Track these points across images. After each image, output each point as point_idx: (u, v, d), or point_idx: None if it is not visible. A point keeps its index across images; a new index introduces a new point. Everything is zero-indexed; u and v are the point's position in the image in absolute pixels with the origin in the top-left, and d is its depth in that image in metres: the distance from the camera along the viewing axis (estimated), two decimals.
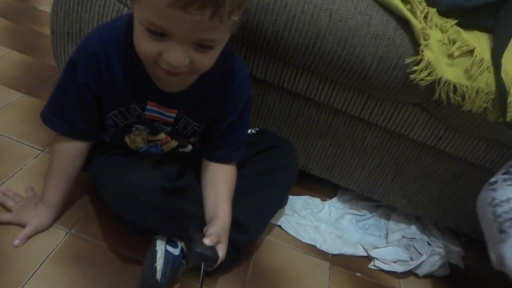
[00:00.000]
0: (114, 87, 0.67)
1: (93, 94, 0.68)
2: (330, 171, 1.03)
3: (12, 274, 0.67)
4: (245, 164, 0.84)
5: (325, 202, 1.07)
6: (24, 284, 0.66)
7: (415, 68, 0.76)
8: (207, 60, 0.59)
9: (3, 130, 0.94)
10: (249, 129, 0.88)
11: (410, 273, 0.95)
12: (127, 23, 0.63)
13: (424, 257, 0.93)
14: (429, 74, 0.76)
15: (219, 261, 0.67)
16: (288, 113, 0.95)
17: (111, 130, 0.74)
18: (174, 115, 0.71)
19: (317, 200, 1.07)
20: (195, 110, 0.72)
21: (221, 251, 0.68)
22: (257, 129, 0.91)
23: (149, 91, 0.67)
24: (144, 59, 0.60)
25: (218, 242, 0.68)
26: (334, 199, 1.09)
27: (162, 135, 0.75)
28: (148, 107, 0.69)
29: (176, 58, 0.55)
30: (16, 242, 0.71)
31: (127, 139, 0.75)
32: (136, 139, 0.75)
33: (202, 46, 0.56)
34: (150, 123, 0.72)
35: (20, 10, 1.50)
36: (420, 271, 0.94)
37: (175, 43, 0.54)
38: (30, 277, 0.68)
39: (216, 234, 0.68)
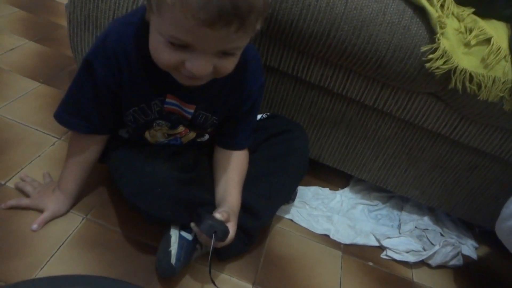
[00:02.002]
0: (134, 84, 0.67)
1: (111, 91, 0.68)
2: (343, 161, 1.03)
3: (31, 257, 0.69)
4: (256, 149, 0.85)
5: (336, 192, 1.07)
6: (43, 267, 0.68)
7: (431, 56, 0.75)
8: (229, 65, 0.59)
9: (21, 118, 0.96)
10: (260, 113, 0.88)
11: (422, 263, 0.95)
12: (143, 16, 0.63)
13: (437, 247, 0.93)
14: (445, 63, 0.76)
15: (228, 239, 0.68)
16: (301, 102, 0.95)
17: (131, 126, 0.74)
18: (192, 111, 0.72)
19: (327, 190, 1.07)
20: (213, 104, 0.72)
21: (231, 230, 0.69)
22: (268, 113, 0.91)
23: (168, 85, 0.67)
24: (163, 67, 0.59)
25: (227, 220, 0.69)
26: (346, 189, 1.09)
27: (181, 128, 0.76)
28: (167, 100, 0.70)
29: (200, 68, 0.55)
30: (35, 226, 0.73)
31: (147, 134, 0.76)
32: (157, 134, 0.76)
33: (225, 53, 0.56)
34: (170, 116, 0.72)
35: (37, 1, 1.52)
36: (432, 262, 0.94)
37: (198, 54, 0.54)
38: (48, 260, 0.69)
39: (226, 212, 0.69)
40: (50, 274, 0.67)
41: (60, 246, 0.72)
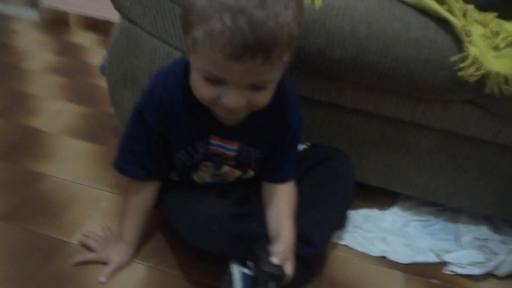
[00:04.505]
0: (180, 128, 0.72)
1: (161, 137, 0.73)
2: (388, 180, 1.03)
3: None
4: (301, 179, 0.86)
5: (385, 212, 1.06)
6: None
7: (462, 65, 0.76)
8: (263, 98, 0.63)
9: (75, 177, 1.01)
10: (302, 144, 0.90)
11: (489, 275, 0.92)
12: (183, 67, 0.68)
13: (502, 256, 0.90)
14: (477, 69, 0.76)
15: (287, 278, 0.68)
16: (338, 127, 0.97)
17: (180, 169, 0.79)
18: (236, 147, 0.75)
19: (376, 211, 1.06)
20: (255, 139, 0.75)
21: (289, 268, 0.69)
22: (309, 143, 0.93)
23: (211, 126, 0.72)
24: (203, 102, 0.64)
25: (285, 259, 0.69)
26: (395, 208, 1.08)
27: (226, 168, 0.79)
28: (211, 141, 0.74)
29: (234, 101, 0.59)
30: (102, 279, 0.76)
31: (194, 176, 0.80)
32: (204, 175, 0.80)
33: (256, 87, 0.60)
34: (214, 157, 0.76)
35: (73, 66, 1.63)
36: (500, 272, 0.90)
37: (231, 88, 0.58)
38: None
39: (281, 251, 0.69)
40: None
41: None
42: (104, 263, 0.79)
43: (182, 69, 0.68)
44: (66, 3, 2.02)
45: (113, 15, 1.94)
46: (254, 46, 0.52)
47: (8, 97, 1.33)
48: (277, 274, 0.66)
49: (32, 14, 2.12)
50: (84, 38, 1.95)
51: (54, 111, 1.28)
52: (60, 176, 1.01)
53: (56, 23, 2.06)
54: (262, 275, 0.66)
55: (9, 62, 1.57)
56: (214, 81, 0.59)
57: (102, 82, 1.52)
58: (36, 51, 1.72)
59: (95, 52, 1.79)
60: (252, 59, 0.53)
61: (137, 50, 0.96)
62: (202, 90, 0.61)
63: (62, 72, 1.56)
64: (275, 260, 0.67)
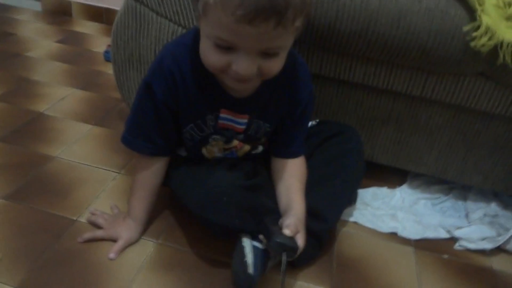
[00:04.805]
0: (190, 101, 0.70)
1: (170, 110, 0.71)
2: (397, 158, 1.02)
3: (113, 284, 0.71)
4: (311, 154, 0.85)
5: (395, 190, 1.05)
6: None
7: (474, 34, 0.75)
8: (275, 65, 0.61)
9: (82, 159, 1.01)
10: (310, 121, 0.89)
11: (500, 250, 0.91)
12: (194, 38, 0.67)
13: None
14: (490, 39, 0.75)
15: (299, 251, 0.68)
16: (347, 104, 0.96)
17: (189, 144, 0.77)
18: (245, 120, 0.74)
19: (385, 189, 1.05)
20: (265, 112, 0.74)
21: (300, 240, 0.68)
22: (317, 120, 0.92)
23: (221, 99, 0.71)
24: (213, 70, 0.63)
25: (296, 232, 0.68)
26: (404, 186, 1.07)
27: (236, 142, 0.78)
28: (221, 115, 0.73)
29: (245, 68, 0.58)
30: (112, 255, 0.76)
31: (204, 150, 0.79)
32: (213, 149, 0.79)
33: (268, 54, 0.58)
34: (224, 131, 0.75)
35: (76, 53, 1.62)
36: (510, 247, 0.89)
37: (242, 54, 0.57)
38: (130, 285, 0.71)
39: (293, 224, 0.68)
40: None
41: (138, 272, 0.74)
42: (113, 240, 0.78)
43: (192, 40, 0.67)
44: None
45: (116, 5, 1.94)
46: (266, 8, 0.51)
47: (13, 83, 1.32)
48: (290, 245, 0.65)
49: (34, 4, 2.10)
50: (87, 27, 1.94)
51: (58, 96, 1.28)
52: (67, 158, 1.00)
53: (59, 13, 2.05)
54: (275, 247, 0.65)
55: (12, 50, 1.57)
56: (225, 48, 0.57)
57: (106, 69, 1.51)
58: (39, 39, 1.71)
59: (99, 40, 1.79)
60: (265, 22, 0.52)
61: (143, 30, 0.95)
62: (212, 57, 0.60)
63: (65, 59, 1.55)
64: (287, 231, 0.66)
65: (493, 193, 1.05)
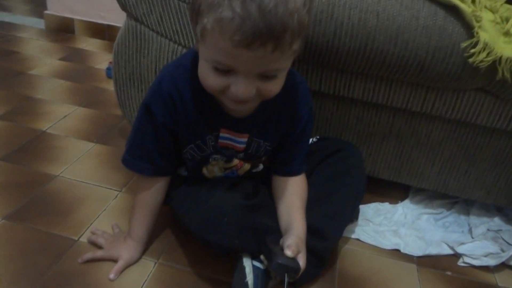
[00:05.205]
0: (189, 123, 0.71)
1: (170, 131, 0.72)
2: (399, 173, 1.01)
3: None
4: (311, 172, 0.85)
5: (397, 205, 1.05)
6: None
7: (473, 50, 0.75)
8: (274, 87, 0.62)
9: (83, 177, 1.01)
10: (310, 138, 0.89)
11: (504, 265, 0.90)
12: (192, 60, 0.68)
13: None
14: (488, 55, 0.75)
15: (300, 272, 0.67)
16: (347, 120, 0.96)
17: (189, 163, 0.78)
18: (245, 139, 0.74)
19: (387, 205, 1.05)
20: (265, 130, 0.74)
21: (301, 261, 0.68)
22: (318, 137, 0.92)
23: (221, 120, 0.71)
24: (212, 92, 0.63)
25: (298, 252, 0.68)
26: (406, 201, 1.06)
27: (236, 161, 0.78)
28: (221, 134, 0.73)
29: (243, 90, 0.58)
30: (112, 276, 0.75)
31: (204, 170, 0.79)
32: (214, 169, 0.79)
33: (266, 76, 0.59)
34: (224, 151, 0.75)
35: (79, 71, 1.64)
36: None
37: (241, 77, 0.57)
38: None
39: (294, 244, 0.68)
40: None
41: None
42: (113, 260, 0.78)
43: (190, 61, 0.68)
44: (71, 11, 2.04)
45: (118, 21, 1.96)
46: (264, 33, 0.51)
47: (16, 101, 1.33)
48: (292, 266, 0.65)
49: (37, 22, 2.13)
50: (89, 44, 1.96)
51: (61, 114, 1.28)
52: (68, 177, 1.01)
53: (62, 31, 2.08)
54: (277, 268, 0.65)
55: (15, 69, 1.58)
56: (223, 71, 0.58)
57: (108, 86, 1.52)
58: (42, 57, 1.73)
59: (101, 57, 1.80)
60: (262, 47, 0.53)
61: (143, 49, 0.96)
62: (210, 80, 0.60)
63: (68, 76, 1.57)
64: (289, 252, 0.66)
65: (496, 207, 1.04)
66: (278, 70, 0.60)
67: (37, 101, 1.35)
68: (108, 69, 1.60)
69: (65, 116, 1.28)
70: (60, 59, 1.73)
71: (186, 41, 0.91)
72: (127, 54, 0.98)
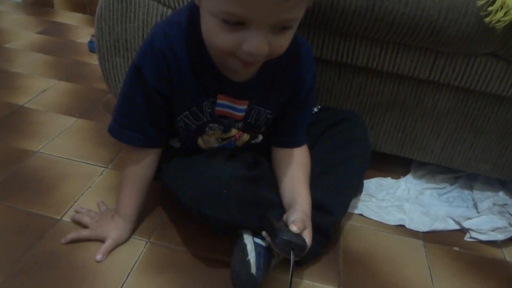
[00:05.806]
0: (184, 86, 0.63)
1: (162, 96, 0.64)
2: (402, 146, 0.97)
3: None
4: (313, 144, 0.80)
5: (399, 180, 1.00)
6: None
7: (490, 9, 0.70)
8: (284, 42, 0.55)
9: (65, 153, 0.93)
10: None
11: None
12: (188, 17, 0.60)
13: None
14: (505, 14, 0.70)
15: (307, 249, 0.62)
16: (349, 90, 0.90)
17: (183, 134, 0.71)
18: (245, 107, 0.68)
19: (389, 180, 1.00)
20: (266, 97, 0.68)
21: (308, 237, 0.63)
22: (319, 107, 0.86)
23: (219, 84, 0.64)
24: (220, 53, 0.55)
25: (303, 228, 0.62)
26: (409, 176, 1.02)
27: (234, 131, 0.72)
28: (218, 101, 0.66)
29: (258, 46, 0.51)
30: (99, 257, 0.69)
31: (200, 140, 0.72)
32: (210, 139, 0.72)
33: (281, 28, 0.52)
34: (222, 119, 0.69)
35: (59, 44, 1.54)
36: None
37: (254, 31, 0.50)
38: None
39: (300, 220, 0.63)
40: None
41: (128, 274, 0.68)
42: (100, 240, 0.71)
43: (186, 19, 0.60)
44: None
45: None
46: None
47: None
48: (298, 243, 0.59)
49: None
50: (70, 18, 1.85)
51: (40, 88, 1.20)
52: (49, 153, 0.93)
53: (40, 4, 1.96)
54: (282, 245, 0.59)
55: None
56: (234, 24, 0.50)
57: (91, 59, 1.43)
58: (19, 31, 1.62)
59: (82, 31, 1.70)
60: None
61: (129, 13, 0.88)
62: (220, 38, 0.52)
63: (47, 50, 1.47)
64: (294, 228, 0.60)
65: (500, 182, 1.01)
66: (294, 19, 0.52)
67: (13, 75, 1.25)
68: (90, 42, 1.51)
69: (44, 90, 1.19)
70: (38, 33, 1.62)
71: (177, 4, 0.83)
72: (111, 19, 0.90)
